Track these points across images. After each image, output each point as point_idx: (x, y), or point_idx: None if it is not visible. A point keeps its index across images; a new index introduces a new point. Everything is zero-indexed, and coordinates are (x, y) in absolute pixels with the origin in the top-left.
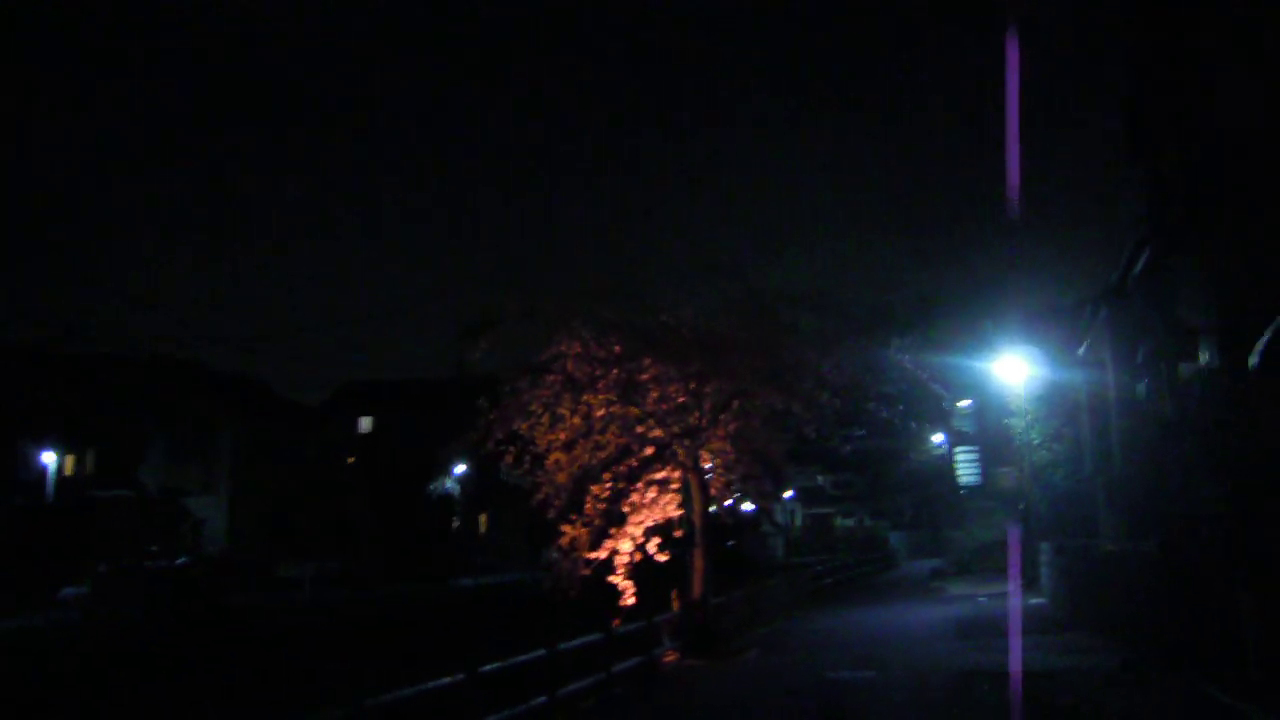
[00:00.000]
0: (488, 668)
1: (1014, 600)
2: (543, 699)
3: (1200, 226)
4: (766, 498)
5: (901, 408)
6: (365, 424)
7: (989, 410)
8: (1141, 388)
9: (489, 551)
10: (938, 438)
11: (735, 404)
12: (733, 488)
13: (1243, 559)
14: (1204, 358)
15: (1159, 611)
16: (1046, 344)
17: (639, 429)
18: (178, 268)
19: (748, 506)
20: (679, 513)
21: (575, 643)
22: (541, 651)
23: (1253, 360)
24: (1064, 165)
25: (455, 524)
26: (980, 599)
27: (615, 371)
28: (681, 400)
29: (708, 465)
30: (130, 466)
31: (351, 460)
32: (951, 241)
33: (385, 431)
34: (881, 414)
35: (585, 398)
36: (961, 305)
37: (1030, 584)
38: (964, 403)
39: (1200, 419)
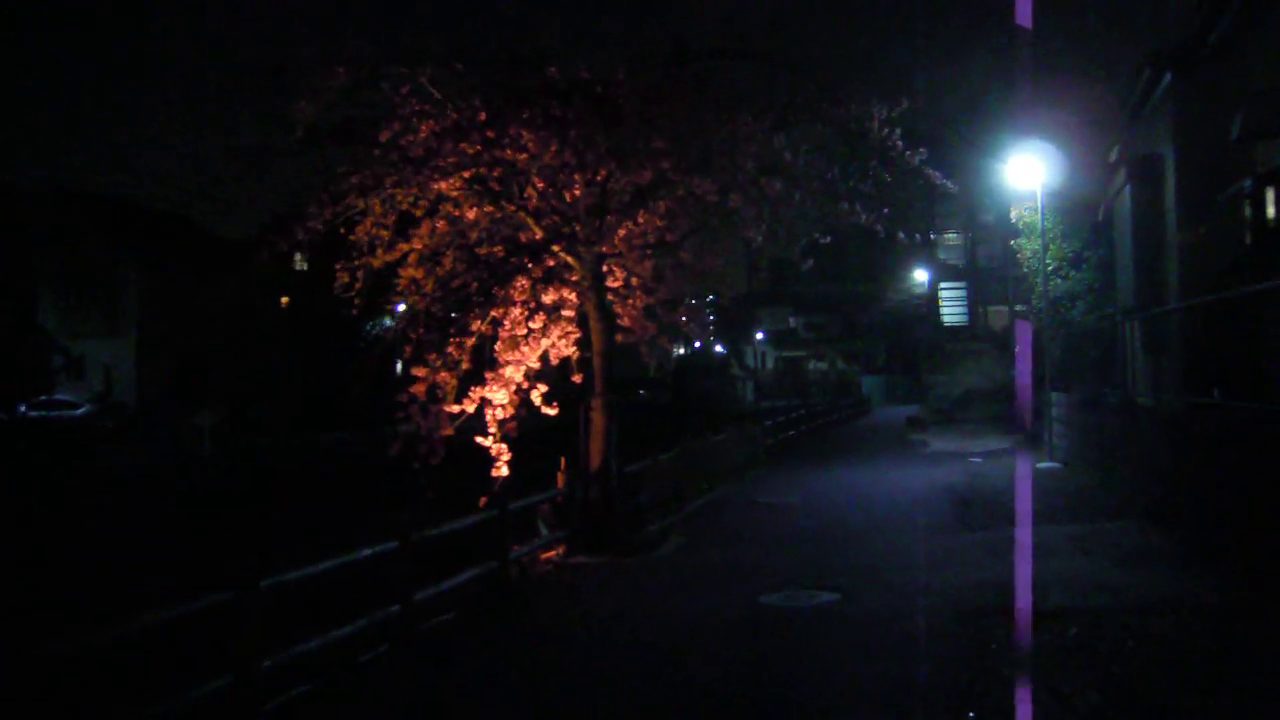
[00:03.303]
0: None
1: (1022, 465)
2: (226, 680)
3: None
4: (701, 330)
5: (886, 211)
6: (302, 264)
7: (982, 241)
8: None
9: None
10: (920, 274)
11: (659, 202)
12: (654, 315)
13: None
14: None
15: None
16: (1067, 148)
17: (522, 237)
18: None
19: (719, 349)
20: (573, 352)
21: (318, 568)
22: (226, 595)
23: None
24: None
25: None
26: (973, 458)
27: (466, 145)
28: (577, 193)
29: (618, 285)
30: (26, 308)
31: (285, 301)
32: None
33: (324, 270)
34: (859, 219)
35: (437, 186)
36: (966, 112)
37: (1032, 440)
38: (951, 234)
39: None
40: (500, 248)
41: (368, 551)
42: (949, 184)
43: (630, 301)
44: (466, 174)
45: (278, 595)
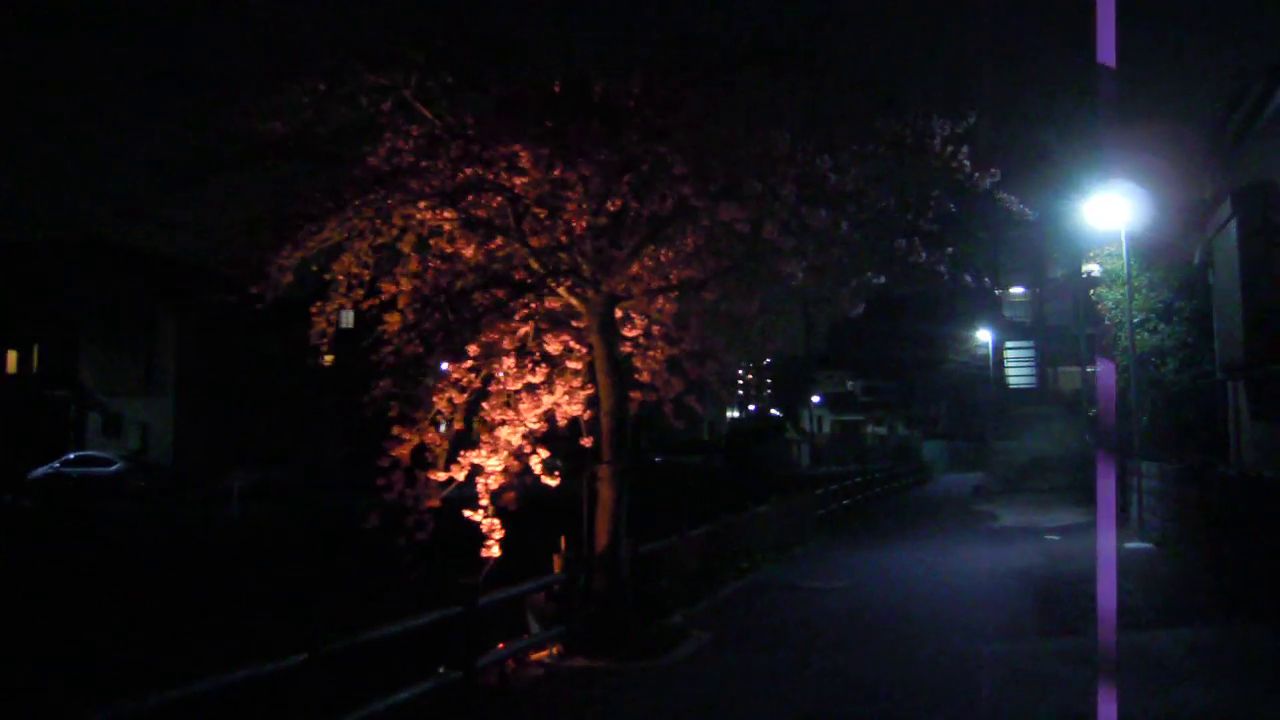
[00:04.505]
0: None
1: (1105, 543)
2: None
3: None
4: (731, 390)
5: (951, 250)
6: (348, 319)
7: (1050, 297)
8: None
9: None
10: (983, 334)
11: (688, 239)
12: (679, 368)
13: None
14: None
15: None
16: (1152, 192)
17: (520, 275)
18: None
19: (775, 412)
20: (582, 411)
21: (167, 696)
22: None
23: None
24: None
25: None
26: (1049, 536)
27: (446, 164)
28: (583, 223)
29: (636, 334)
30: (68, 364)
31: (330, 360)
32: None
33: (371, 328)
34: (919, 258)
35: (420, 215)
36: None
37: (1114, 514)
38: (1016, 290)
39: None
40: (461, 283)
41: (242, 674)
42: (1026, 210)
43: (651, 353)
44: (452, 198)
45: None
